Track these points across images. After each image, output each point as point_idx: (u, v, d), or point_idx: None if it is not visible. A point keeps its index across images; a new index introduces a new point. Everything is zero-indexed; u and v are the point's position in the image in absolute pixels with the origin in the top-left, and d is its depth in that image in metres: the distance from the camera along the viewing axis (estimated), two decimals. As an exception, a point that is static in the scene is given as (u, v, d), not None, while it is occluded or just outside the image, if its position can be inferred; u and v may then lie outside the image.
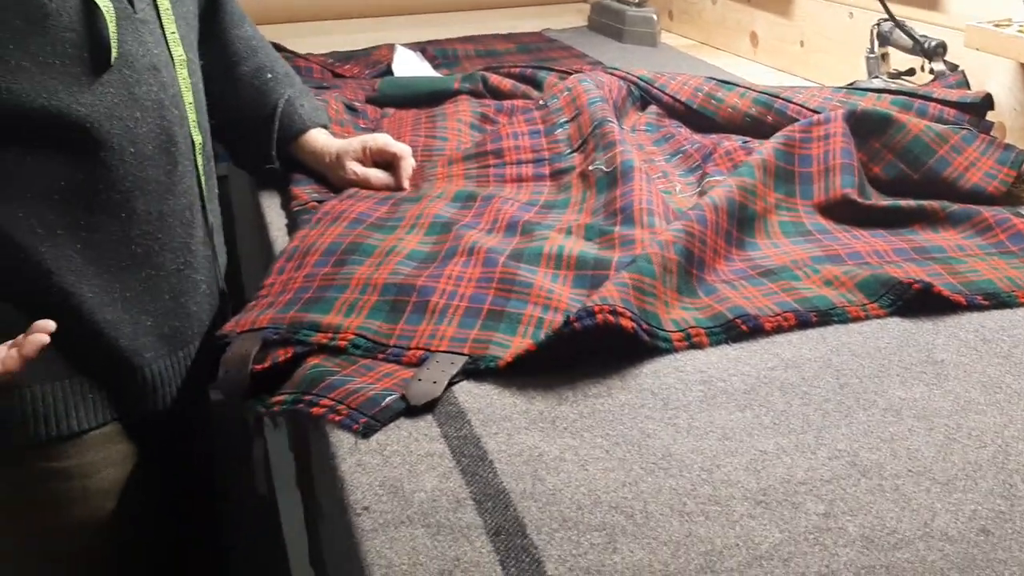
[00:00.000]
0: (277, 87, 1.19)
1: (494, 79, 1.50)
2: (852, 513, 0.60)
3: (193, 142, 0.98)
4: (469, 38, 1.99)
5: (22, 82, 0.83)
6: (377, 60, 1.77)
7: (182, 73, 0.97)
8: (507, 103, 1.43)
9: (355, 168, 1.15)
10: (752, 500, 0.62)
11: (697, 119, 1.32)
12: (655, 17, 1.95)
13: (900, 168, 1.07)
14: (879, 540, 0.58)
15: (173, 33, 0.96)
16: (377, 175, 1.16)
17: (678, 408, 0.72)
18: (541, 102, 1.31)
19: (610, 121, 1.18)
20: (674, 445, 0.68)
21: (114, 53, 0.87)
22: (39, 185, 0.85)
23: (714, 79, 1.35)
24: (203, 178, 1.00)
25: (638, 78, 1.40)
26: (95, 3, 0.85)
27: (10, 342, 0.81)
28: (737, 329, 0.81)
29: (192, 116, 0.98)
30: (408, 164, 1.16)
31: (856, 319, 0.83)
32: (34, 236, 0.85)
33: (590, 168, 1.12)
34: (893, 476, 0.64)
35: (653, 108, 1.37)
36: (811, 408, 0.71)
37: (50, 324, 0.81)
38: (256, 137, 1.19)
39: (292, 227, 1.08)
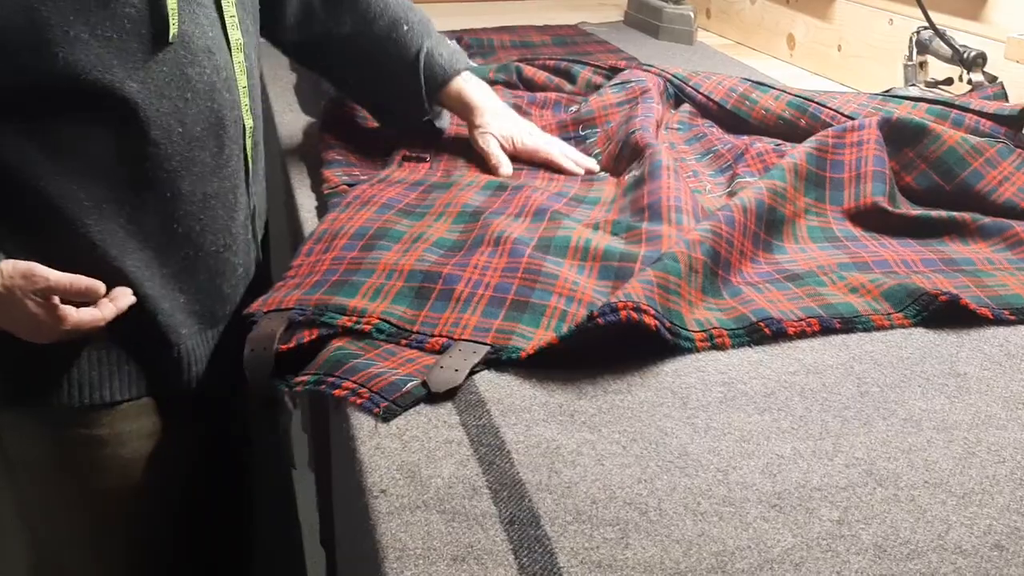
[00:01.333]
0: (415, 38, 1.18)
1: (528, 71, 1.51)
2: (866, 521, 0.60)
3: (244, 126, 0.98)
4: (505, 28, 1.99)
5: (79, 54, 0.83)
6: (413, 47, 1.77)
7: (237, 57, 0.97)
8: (540, 95, 1.44)
9: (492, 147, 1.17)
10: (766, 503, 0.62)
11: (730, 120, 1.31)
12: (692, 15, 1.94)
13: (933, 179, 1.07)
14: (892, 550, 0.58)
15: (232, 16, 0.96)
16: (499, 158, 1.16)
17: (697, 408, 0.72)
18: (580, 131, 1.31)
19: (637, 131, 1.18)
20: (691, 445, 0.68)
21: (173, 31, 0.87)
22: (88, 158, 0.87)
23: (749, 80, 1.35)
24: (250, 162, 1.00)
25: (672, 76, 1.39)
26: None
27: (92, 305, 0.87)
28: (760, 332, 0.81)
29: (245, 100, 0.98)
30: (561, 161, 1.18)
31: (880, 328, 0.83)
32: (81, 208, 0.87)
33: (626, 178, 1.13)
34: (909, 487, 0.64)
35: (686, 107, 1.36)
36: (830, 415, 0.71)
37: (129, 290, 0.88)
38: (404, 93, 1.19)
39: (322, 210, 1.09)
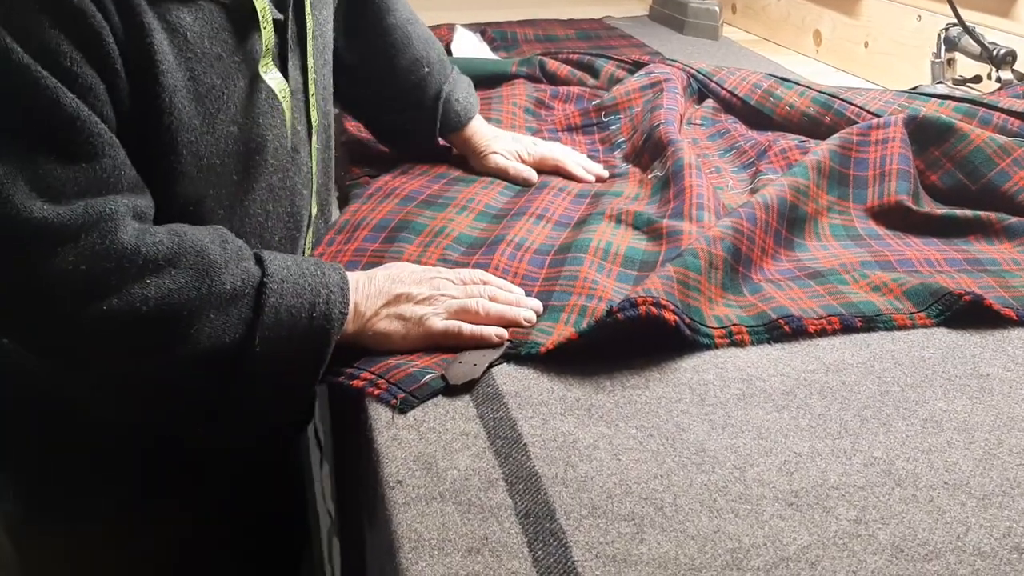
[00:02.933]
0: (434, 82, 1.15)
1: (551, 64, 1.50)
2: (884, 521, 0.60)
3: (311, 214, 0.92)
4: (529, 22, 1.99)
5: (180, 187, 0.75)
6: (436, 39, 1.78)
7: (313, 141, 0.89)
8: (563, 89, 1.43)
9: (503, 163, 1.14)
10: (783, 501, 0.62)
11: (754, 116, 1.31)
12: (718, 10, 1.93)
13: (958, 178, 1.06)
14: (909, 550, 0.57)
15: (313, 95, 0.88)
16: (517, 167, 1.14)
17: (715, 404, 0.72)
18: (603, 117, 1.30)
19: (661, 124, 1.17)
20: (708, 441, 0.68)
21: (288, 138, 0.80)
22: None
23: (773, 76, 1.34)
24: (308, 247, 0.94)
25: (696, 71, 1.39)
26: (261, 86, 0.77)
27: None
28: (780, 329, 0.81)
29: (314, 186, 0.91)
30: (574, 166, 1.15)
31: (902, 327, 0.82)
32: None
33: (648, 177, 1.12)
34: (928, 487, 0.63)
35: (709, 102, 1.36)
36: (849, 413, 0.71)
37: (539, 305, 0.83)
38: (416, 130, 1.17)
39: (344, 200, 1.10)
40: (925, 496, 0.62)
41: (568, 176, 1.15)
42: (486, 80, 1.49)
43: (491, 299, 0.81)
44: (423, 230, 0.95)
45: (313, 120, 0.88)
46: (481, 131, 1.19)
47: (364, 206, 1.01)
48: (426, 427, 0.69)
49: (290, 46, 0.83)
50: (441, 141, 1.19)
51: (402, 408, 0.71)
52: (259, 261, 0.75)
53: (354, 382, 0.74)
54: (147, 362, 0.72)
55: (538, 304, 0.83)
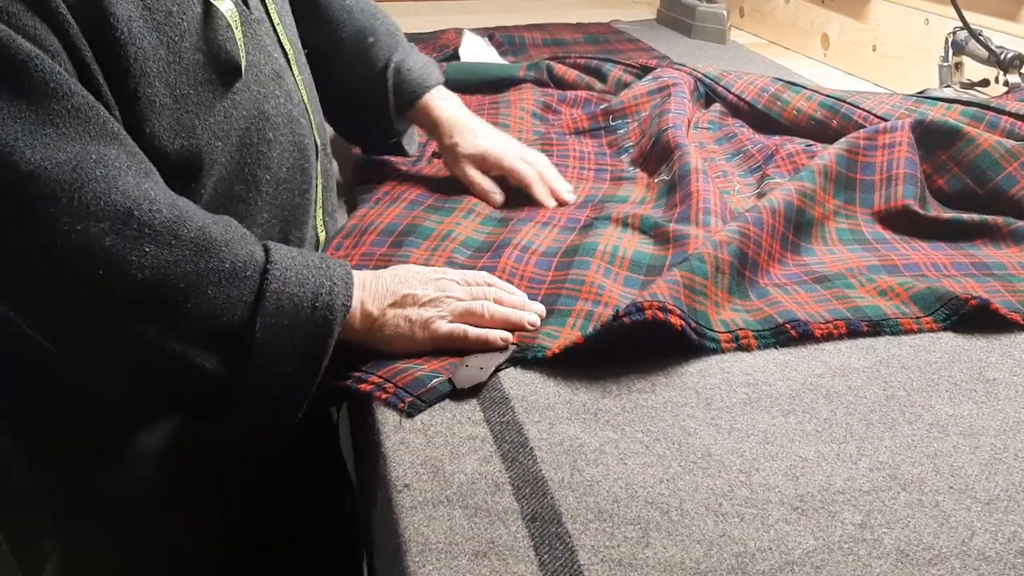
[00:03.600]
0: (381, 52, 1.08)
1: (559, 69, 1.51)
2: (889, 526, 0.60)
3: (316, 146, 0.91)
4: (537, 26, 2.00)
5: (163, 121, 0.74)
6: (444, 44, 1.78)
7: (295, 69, 0.89)
8: (570, 93, 1.44)
9: (470, 173, 1.08)
10: (788, 505, 0.62)
11: (761, 120, 1.31)
12: (725, 14, 1.94)
13: (965, 182, 1.06)
14: (914, 555, 0.58)
15: (279, 24, 0.88)
16: (484, 187, 1.08)
17: (721, 409, 0.72)
18: (611, 122, 1.31)
19: (669, 128, 1.18)
20: (714, 445, 0.68)
21: (243, 62, 0.78)
22: None
23: (781, 80, 1.34)
24: (319, 189, 0.93)
25: (703, 75, 1.39)
26: (215, 6, 0.77)
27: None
28: (786, 334, 0.81)
29: (312, 117, 0.90)
30: (537, 189, 1.07)
31: (908, 331, 0.82)
32: None
33: (655, 181, 1.12)
34: (934, 492, 0.63)
35: (717, 106, 1.36)
36: (855, 418, 0.71)
37: (542, 309, 0.82)
38: (371, 111, 1.10)
39: (352, 205, 1.10)
40: (930, 500, 0.62)
41: (531, 196, 1.07)
42: (494, 84, 1.50)
43: (496, 301, 0.81)
44: (430, 234, 0.96)
45: (286, 46, 0.87)
46: (448, 112, 1.10)
47: (371, 211, 1.02)
48: (433, 431, 0.69)
49: None
50: (411, 147, 1.14)
51: (409, 412, 0.71)
52: (265, 249, 0.75)
53: (362, 386, 0.74)
54: (142, 335, 0.71)
55: (541, 308, 0.83)
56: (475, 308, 0.80)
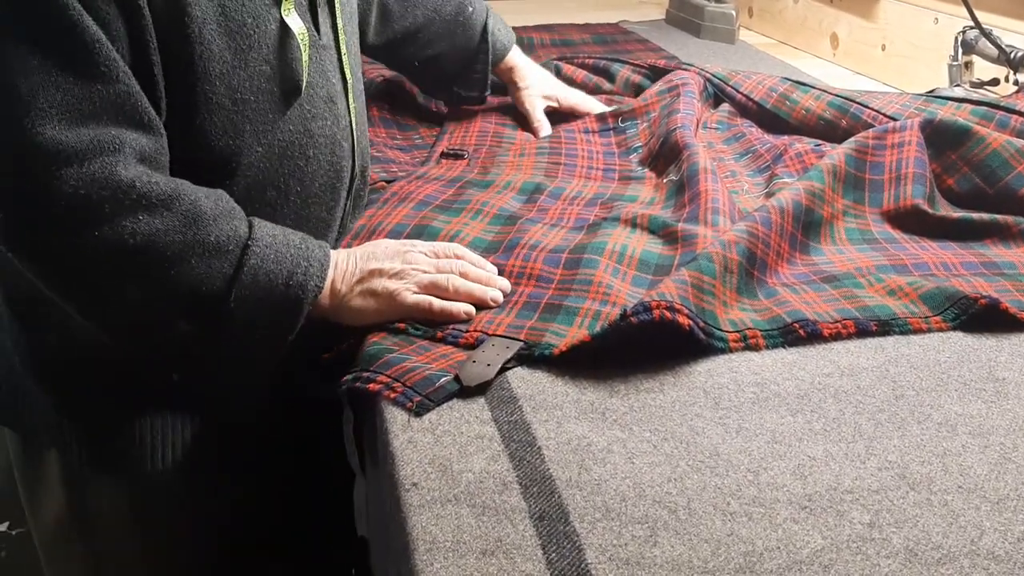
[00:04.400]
0: (479, 19, 1.29)
1: (567, 69, 1.51)
2: (897, 525, 0.60)
3: (353, 171, 0.96)
4: (545, 26, 2.00)
5: (217, 119, 0.80)
6: (453, 45, 1.78)
7: (350, 97, 0.94)
8: (579, 94, 1.44)
9: (536, 112, 1.31)
10: (797, 505, 0.62)
11: (769, 119, 1.30)
12: (734, 14, 1.93)
13: (975, 182, 1.05)
14: (923, 554, 0.57)
15: (345, 54, 0.93)
16: (543, 124, 1.30)
17: (729, 408, 0.72)
18: (620, 123, 1.31)
19: (678, 128, 1.18)
20: (722, 445, 0.68)
21: (304, 82, 0.85)
22: None
23: (789, 80, 1.34)
24: (350, 205, 0.98)
25: (712, 75, 1.39)
26: (290, 30, 0.83)
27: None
28: (795, 333, 0.81)
29: (356, 143, 0.95)
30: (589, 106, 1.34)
31: (917, 331, 0.82)
32: None
33: (664, 181, 1.12)
34: (942, 491, 0.63)
35: (725, 106, 1.36)
36: (864, 417, 0.71)
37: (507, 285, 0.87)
38: (469, 69, 1.31)
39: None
40: (939, 500, 0.62)
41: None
42: (504, 85, 1.49)
43: (462, 275, 0.85)
44: (438, 234, 0.96)
45: (347, 76, 0.93)
46: (523, 62, 1.35)
47: (380, 211, 1.02)
48: (441, 430, 0.70)
49: (319, 2, 0.89)
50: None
51: (418, 411, 0.71)
52: (250, 225, 0.80)
53: (371, 385, 0.75)
54: (127, 293, 0.76)
55: (506, 284, 0.87)
56: (440, 281, 0.83)
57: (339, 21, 0.92)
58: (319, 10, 0.89)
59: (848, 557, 0.57)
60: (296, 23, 0.84)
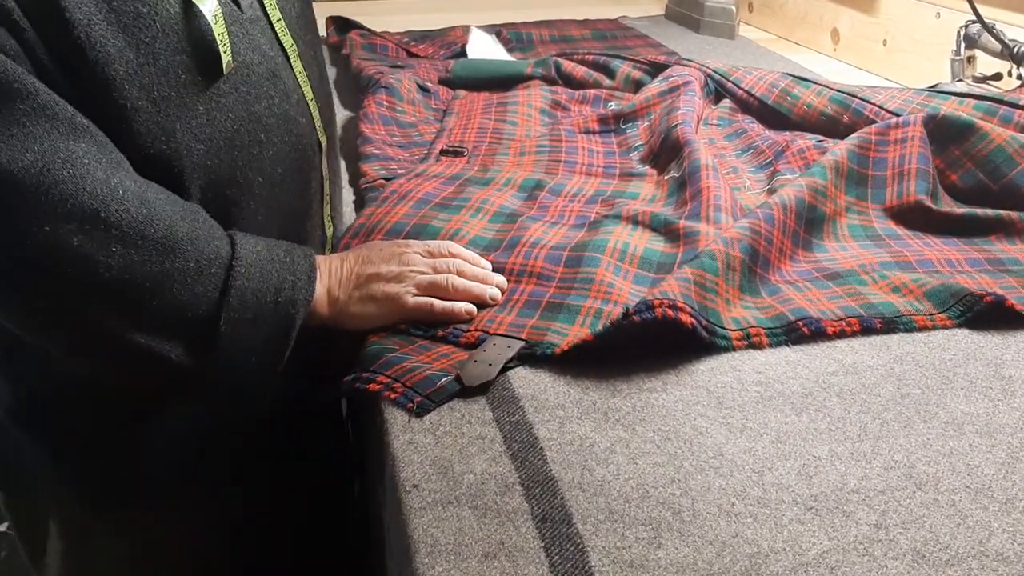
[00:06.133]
0: None
1: (567, 66, 1.50)
2: (904, 526, 0.59)
3: (320, 145, 0.90)
4: (544, 22, 1.99)
5: (139, 126, 0.72)
6: (452, 41, 1.78)
7: (297, 67, 0.87)
8: (579, 91, 1.43)
9: None
10: (802, 506, 0.61)
11: (771, 115, 1.30)
12: (734, 9, 1.92)
13: (979, 178, 1.04)
14: (931, 555, 0.57)
15: (279, 21, 0.86)
16: None
17: (733, 408, 0.71)
18: (621, 125, 1.30)
19: (679, 125, 1.17)
20: (726, 445, 0.67)
21: (226, 61, 0.76)
22: None
23: (791, 75, 1.33)
24: (326, 186, 0.93)
25: (713, 71, 1.38)
26: (195, 5, 0.74)
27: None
28: (798, 331, 0.80)
29: (315, 114, 0.89)
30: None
31: (923, 328, 0.81)
32: None
33: (665, 178, 1.12)
34: (950, 491, 0.62)
35: (726, 102, 1.35)
36: (869, 416, 0.70)
37: (503, 281, 0.86)
38: None
39: (360, 204, 1.10)
40: (947, 500, 0.62)
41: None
42: (502, 82, 1.49)
43: (459, 273, 0.84)
44: (438, 233, 0.95)
45: (287, 44, 0.86)
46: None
47: (379, 209, 1.01)
48: (442, 431, 0.69)
49: None
50: None
51: (419, 412, 0.71)
52: (231, 244, 0.77)
53: (371, 386, 0.74)
54: (108, 328, 0.72)
55: (503, 281, 0.86)
56: (439, 281, 0.83)
57: None
58: None
59: (855, 559, 0.57)
60: (203, 1, 0.75)
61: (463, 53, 1.71)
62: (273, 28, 0.85)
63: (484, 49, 1.71)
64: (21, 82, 0.66)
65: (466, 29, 1.81)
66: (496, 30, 1.85)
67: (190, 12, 0.75)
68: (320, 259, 0.83)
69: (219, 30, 0.76)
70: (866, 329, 0.81)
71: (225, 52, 0.76)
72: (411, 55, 1.72)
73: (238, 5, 0.81)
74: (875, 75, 1.69)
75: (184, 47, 0.74)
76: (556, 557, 0.57)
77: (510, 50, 1.76)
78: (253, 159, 0.80)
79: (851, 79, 1.64)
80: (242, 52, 0.79)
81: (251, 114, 0.79)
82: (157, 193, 0.73)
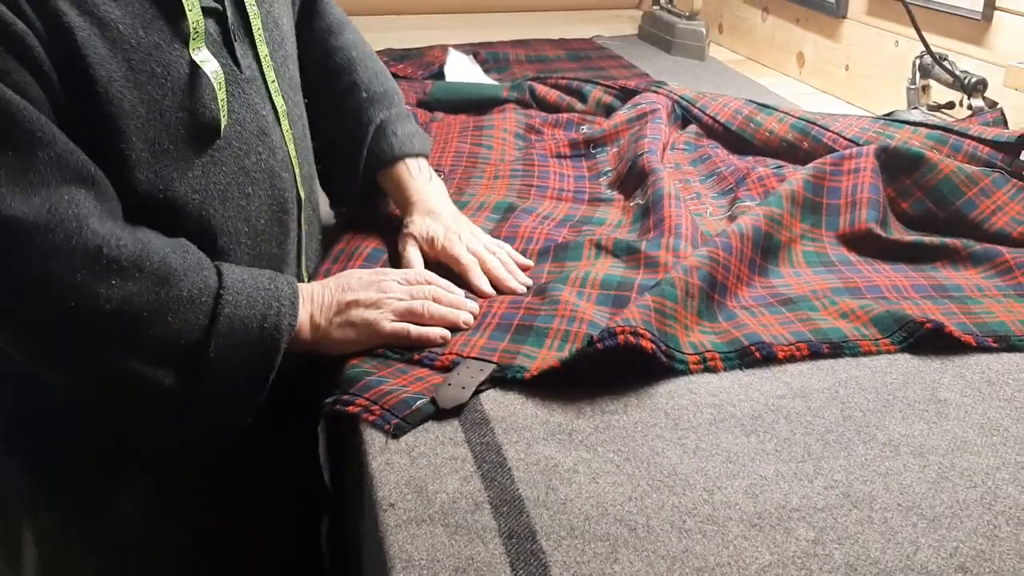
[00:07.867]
0: (370, 109, 1.07)
1: (541, 90, 1.55)
2: (839, 542, 0.65)
3: (299, 198, 0.94)
4: (520, 42, 2.04)
5: (139, 174, 0.78)
6: (430, 61, 1.83)
7: (285, 125, 0.92)
8: (552, 116, 1.48)
9: (411, 253, 1.01)
10: (747, 522, 0.66)
11: (735, 141, 1.35)
12: (704, 31, 1.98)
13: (927, 206, 1.11)
14: (862, 569, 0.62)
15: (273, 82, 0.91)
16: (412, 262, 1.00)
17: (688, 429, 0.77)
18: (591, 149, 1.36)
19: (645, 153, 1.23)
20: (680, 464, 0.72)
21: (223, 123, 0.82)
22: None
23: (754, 102, 1.39)
24: (303, 236, 0.96)
25: (680, 97, 1.44)
26: (200, 68, 0.80)
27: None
28: (751, 356, 0.85)
29: (297, 171, 0.93)
30: (473, 275, 0.98)
31: (867, 353, 0.87)
32: None
33: (631, 204, 1.17)
34: (883, 509, 0.68)
35: (692, 127, 1.41)
36: (813, 438, 0.76)
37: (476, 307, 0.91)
38: (345, 165, 1.08)
39: (339, 228, 1.14)
40: (880, 517, 0.67)
41: (467, 285, 0.97)
42: (478, 105, 1.54)
43: (435, 299, 0.89)
44: (415, 258, 1.00)
45: (278, 105, 0.91)
46: (415, 186, 1.06)
47: (356, 235, 1.06)
48: (417, 452, 0.74)
49: (236, 36, 0.86)
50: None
51: (395, 433, 0.75)
52: (218, 273, 0.82)
53: (350, 408, 0.78)
54: (105, 355, 0.78)
55: (475, 306, 0.92)
56: (416, 308, 0.88)
57: (261, 50, 0.89)
58: (236, 44, 0.86)
59: (793, 572, 0.62)
60: (208, 62, 0.81)
61: (441, 73, 1.75)
62: (267, 87, 0.90)
63: (461, 69, 1.76)
64: (43, 131, 0.72)
65: (444, 49, 1.86)
66: (473, 51, 1.89)
67: (195, 73, 0.81)
68: (302, 286, 0.88)
69: (221, 95, 0.82)
70: (814, 354, 0.86)
71: (224, 116, 0.82)
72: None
73: (238, 66, 0.86)
74: (837, 98, 1.75)
75: (187, 105, 0.80)
76: (521, 572, 0.62)
77: (487, 70, 1.81)
78: (241, 210, 0.86)
79: (815, 101, 1.70)
80: (236, 110, 0.85)
81: (241, 168, 0.85)
82: (146, 231, 0.79)
